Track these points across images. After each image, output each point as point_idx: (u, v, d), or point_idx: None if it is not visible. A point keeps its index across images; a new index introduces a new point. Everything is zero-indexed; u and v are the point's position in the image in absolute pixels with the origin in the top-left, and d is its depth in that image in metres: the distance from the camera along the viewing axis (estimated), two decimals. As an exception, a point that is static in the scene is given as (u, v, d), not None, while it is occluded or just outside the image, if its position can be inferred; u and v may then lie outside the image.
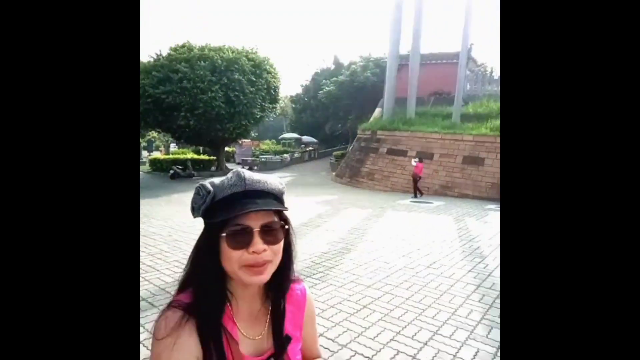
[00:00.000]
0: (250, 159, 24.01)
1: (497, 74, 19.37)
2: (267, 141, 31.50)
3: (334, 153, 22.71)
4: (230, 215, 0.64)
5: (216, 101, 15.97)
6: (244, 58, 17.06)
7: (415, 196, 11.46)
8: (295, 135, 31.23)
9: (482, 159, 12.11)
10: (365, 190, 13.68)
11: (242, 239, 0.65)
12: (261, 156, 24.73)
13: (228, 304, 0.70)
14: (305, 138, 29.69)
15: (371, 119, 17.96)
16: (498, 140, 11.92)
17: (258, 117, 18.39)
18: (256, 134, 36.80)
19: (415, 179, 11.47)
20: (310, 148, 27.92)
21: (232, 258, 0.65)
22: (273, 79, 18.80)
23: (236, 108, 16.86)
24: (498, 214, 8.94)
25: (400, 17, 15.56)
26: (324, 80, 26.69)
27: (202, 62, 16.08)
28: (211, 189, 0.67)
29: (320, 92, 25.66)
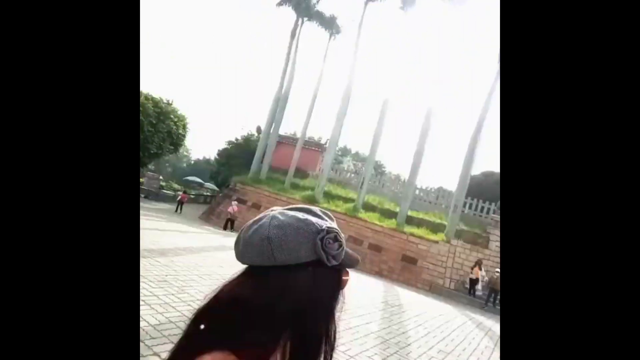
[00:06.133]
0: (150, 189, 27.08)
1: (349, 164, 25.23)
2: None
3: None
4: (355, 258, 0.66)
5: (115, 130, 19.82)
6: (150, 104, 21.41)
7: (225, 229, 15.54)
8: (198, 179, 35.21)
9: (286, 215, 16.73)
10: (204, 224, 17.51)
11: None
12: (161, 190, 28.03)
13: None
14: (207, 184, 33.63)
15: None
16: (301, 203, 16.67)
17: (153, 152, 22.27)
18: (170, 170, 39.85)
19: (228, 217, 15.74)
20: (208, 193, 31.61)
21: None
22: (175, 127, 23.14)
23: (133, 140, 20.70)
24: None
25: (276, 108, 21.05)
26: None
27: (114, 98, 20.22)
28: (342, 234, 0.63)
29: (219, 149, 30.95)
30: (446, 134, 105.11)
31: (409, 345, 5.27)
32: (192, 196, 29.29)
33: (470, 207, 17.38)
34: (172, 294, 4.69)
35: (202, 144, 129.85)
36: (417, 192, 18.75)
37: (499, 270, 11.30)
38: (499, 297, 11.19)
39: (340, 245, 0.61)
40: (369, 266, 14.13)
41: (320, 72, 20.30)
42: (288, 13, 21.08)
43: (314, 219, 0.62)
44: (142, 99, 21.20)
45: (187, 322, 0.61)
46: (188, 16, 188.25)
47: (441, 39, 16.05)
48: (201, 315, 0.60)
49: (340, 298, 0.65)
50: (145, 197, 25.71)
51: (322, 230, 0.59)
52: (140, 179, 30.99)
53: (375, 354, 4.49)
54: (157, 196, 26.18)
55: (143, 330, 3.34)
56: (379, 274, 13.79)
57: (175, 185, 32.94)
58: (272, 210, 0.64)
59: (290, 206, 0.67)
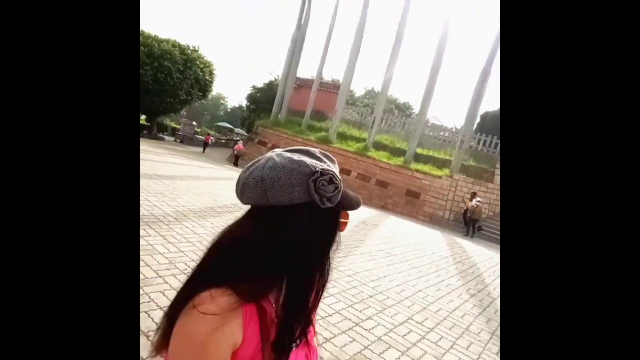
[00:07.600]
0: (185, 134, 29.29)
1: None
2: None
3: (246, 143, 28.46)
4: (356, 200, 0.66)
5: (145, 78, 21.21)
6: (177, 51, 22.43)
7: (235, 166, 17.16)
8: (229, 125, 36.95)
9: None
10: (228, 164, 19.10)
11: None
12: (195, 135, 30.21)
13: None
14: (237, 129, 35.32)
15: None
16: (316, 144, 17.60)
17: (183, 98, 23.72)
18: (209, 117, 41.95)
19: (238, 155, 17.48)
20: (237, 138, 33.36)
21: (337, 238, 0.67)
22: (202, 73, 24.22)
23: (163, 87, 22.12)
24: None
25: (293, 50, 21.25)
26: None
27: (142, 47, 21.36)
28: (338, 176, 0.62)
29: (248, 94, 31.84)
30: (468, 72, 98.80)
31: (358, 247, 6.28)
32: (222, 141, 31.18)
33: (484, 144, 17.36)
34: (163, 201, 5.94)
35: (240, 90, 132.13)
36: (429, 131, 18.91)
37: (479, 200, 11.91)
38: (475, 225, 11.95)
39: (337, 188, 0.60)
40: (376, 201, 15.08)
41: (335, 8, 19.91)
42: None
43: (309, 161, 0.61)
44: (169, 46, 22.24)
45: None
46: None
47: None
48: (204, 258, 0.63)
49: (337, 239, 0.65)
50: (180, 142, 27.93)
51: (316, 172, 0.59)
52: (177, 125, 33.27)
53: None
54: (191, 140, 28.26)
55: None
56: (384, 207, 14.73)
57: (210, 131, 35.16)
58: (272, 152, 0.64)
59: (290, 147, 0.66)
